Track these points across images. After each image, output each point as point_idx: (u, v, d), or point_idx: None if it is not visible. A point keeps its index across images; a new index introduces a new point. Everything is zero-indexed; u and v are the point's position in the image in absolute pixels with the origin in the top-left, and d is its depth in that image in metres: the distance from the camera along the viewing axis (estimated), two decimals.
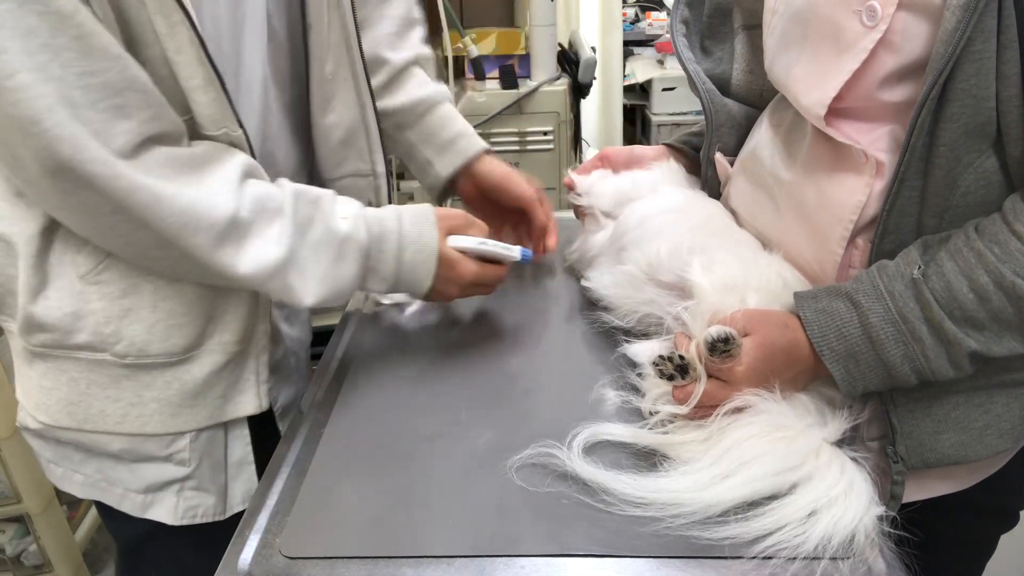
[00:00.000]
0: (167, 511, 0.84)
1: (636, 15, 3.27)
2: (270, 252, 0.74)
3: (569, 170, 1.10)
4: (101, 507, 0.88)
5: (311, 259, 0.78)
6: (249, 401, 0.84)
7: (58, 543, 1.63)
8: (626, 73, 2.96)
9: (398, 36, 1.05)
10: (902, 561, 0.63)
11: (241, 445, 0.86)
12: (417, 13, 1.08)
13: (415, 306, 1.05)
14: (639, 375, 0.80)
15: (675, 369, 0.73)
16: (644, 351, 0.81)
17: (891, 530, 0.64)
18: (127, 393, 0.79)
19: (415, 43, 1.07)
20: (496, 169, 1.05)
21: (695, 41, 0.99)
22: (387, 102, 1.03)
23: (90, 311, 0.76)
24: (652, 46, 3.10)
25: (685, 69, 0.96)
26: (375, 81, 1.00)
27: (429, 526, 0.66)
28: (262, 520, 0.69)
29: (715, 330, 0.71)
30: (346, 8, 0.90)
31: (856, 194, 0.73)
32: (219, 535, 0.75)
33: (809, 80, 0.73)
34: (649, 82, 2.91)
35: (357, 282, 0.82)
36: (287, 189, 0.78)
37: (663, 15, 3.16)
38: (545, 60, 1.93)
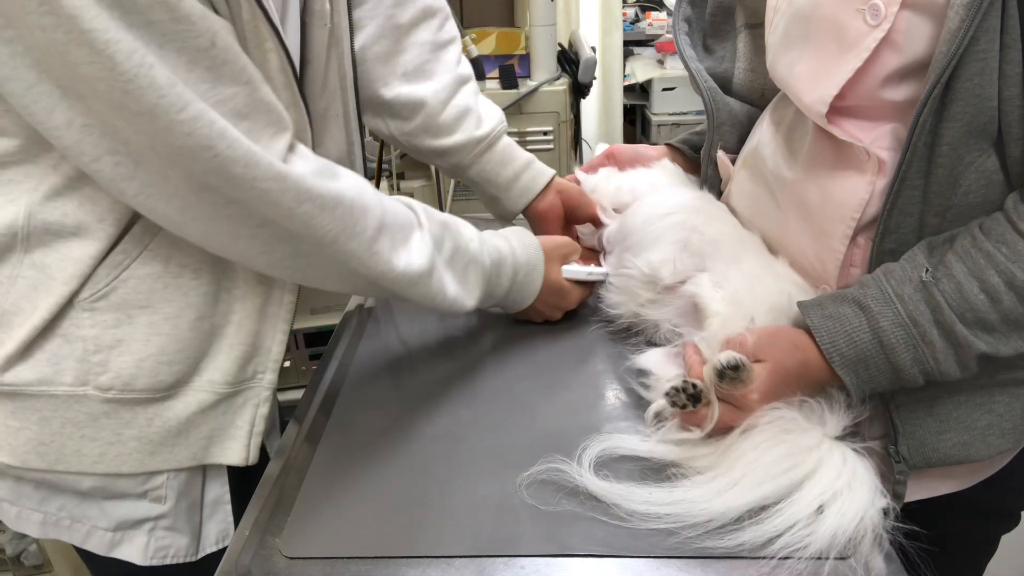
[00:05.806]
0: (137, 551, 0.79)
1: (636, 15, 3.27)
2: (414, 259, 0.78)
3: (576, 167, 1.11)
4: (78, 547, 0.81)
5: (445, 273, 0.82)
6: (236, 450, 0.80)
7: (58, 543, 1.61)
8: (626, 73, 2.96)
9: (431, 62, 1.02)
10: (902, 560, 0.63)
11: (219, 484, 0.82)
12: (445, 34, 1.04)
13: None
14: (645, 384, 0.80)
15: (688, 399, 0.72)
16: (652, 362, 0.82)
17: (890, 530, 0.64)
18: (106, 432, 0.74)
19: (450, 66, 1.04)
20: (572, 186, 1.08)
21: (697, 39, 0.99)
22: (436, 142, 1.04)
23: (80, 337, 0.71)
24: (652, 46, 3.09)
25: (687, 67, 0.96)
26: (418, 121, 1.02)
27: (429, 526, 0.66)
28: (262, 520, 0.69)
29: (725, 357, 0.70)
30: (345, 46, 0.87)
31: (858, 192, 0.73)
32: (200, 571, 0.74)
33: (811, 78, 0.73)
34: (649, 82, 2.91)
35: (477, 301, 0.87)
36: (416, 206, 0.82)
37: (663, 15, 3.16)
38: (545, 60, 1.93)
